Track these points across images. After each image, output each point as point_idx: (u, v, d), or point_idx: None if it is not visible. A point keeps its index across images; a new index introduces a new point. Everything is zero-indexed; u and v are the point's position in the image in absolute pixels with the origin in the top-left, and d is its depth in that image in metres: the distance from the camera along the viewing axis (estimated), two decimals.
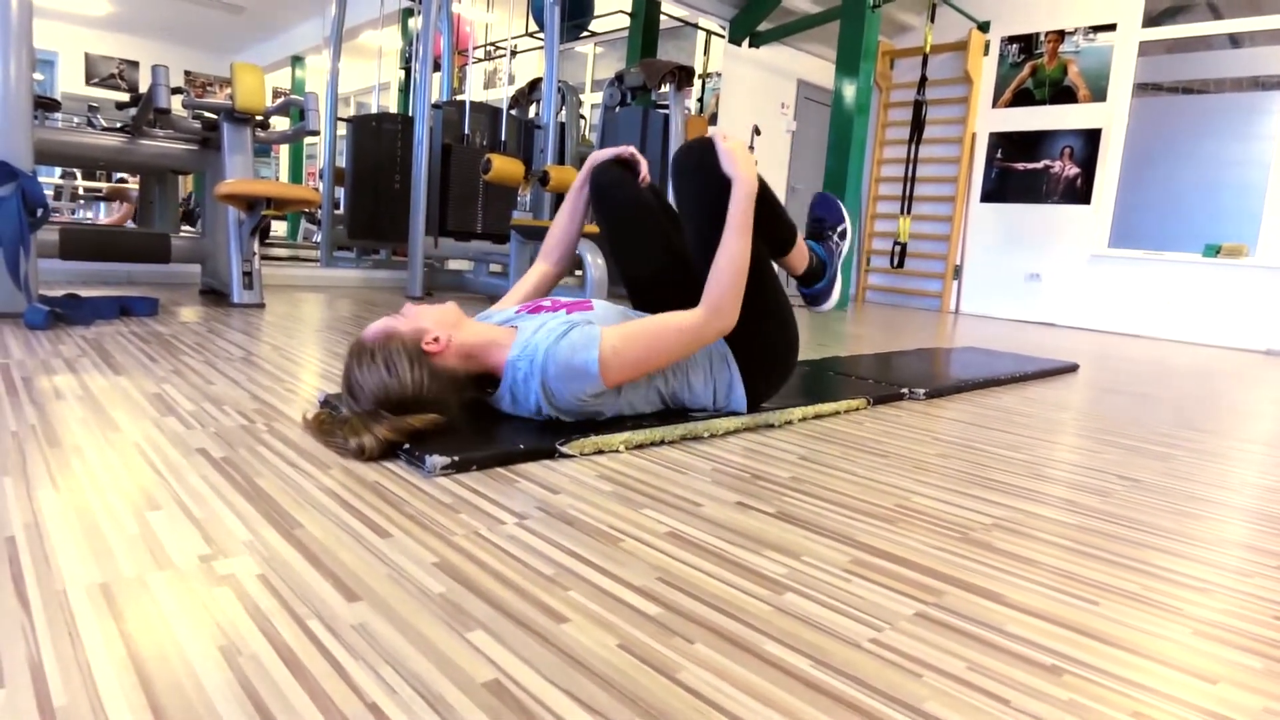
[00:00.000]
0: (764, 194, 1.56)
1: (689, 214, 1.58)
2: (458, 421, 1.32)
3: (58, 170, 7.95)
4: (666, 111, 4.85)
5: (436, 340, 1.32)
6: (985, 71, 6.13)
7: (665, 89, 4.81)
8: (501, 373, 1.40)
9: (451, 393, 1.33)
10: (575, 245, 1.76)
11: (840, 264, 1.87)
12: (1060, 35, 5.76)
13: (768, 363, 1.63)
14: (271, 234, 7.96)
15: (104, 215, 6.41)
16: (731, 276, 1.43)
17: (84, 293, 2.70)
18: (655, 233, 1.64)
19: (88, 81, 10.28)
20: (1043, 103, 5.86)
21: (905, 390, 2.11)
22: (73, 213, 7.81)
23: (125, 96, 6.40)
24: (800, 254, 1.77)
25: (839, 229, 1.87)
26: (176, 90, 3.15)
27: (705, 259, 1.49)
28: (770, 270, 1.64)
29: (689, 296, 1.50)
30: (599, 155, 1.68)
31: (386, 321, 1.34)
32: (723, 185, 1.49)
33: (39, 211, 2.30)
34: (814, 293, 1.86)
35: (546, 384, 1.35)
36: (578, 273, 4.80)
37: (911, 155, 6.13)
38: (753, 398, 1.63)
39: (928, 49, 6.03)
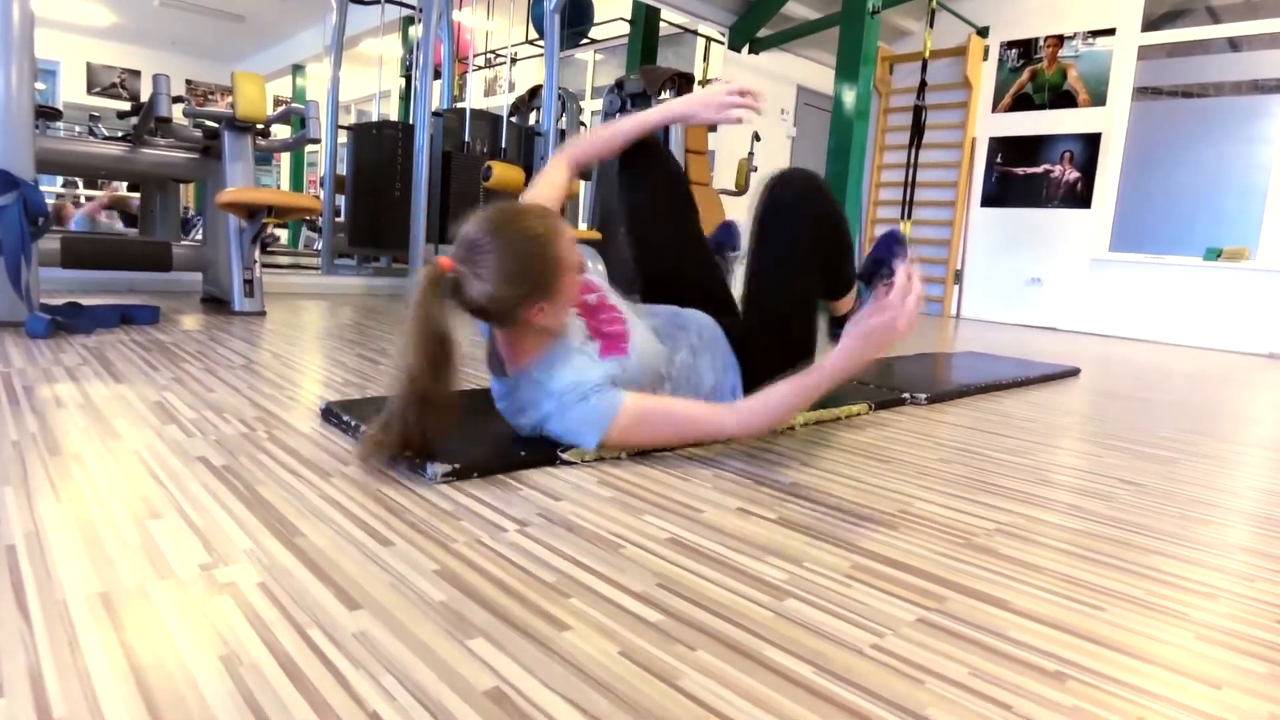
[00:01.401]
0: (841, 236, 1.59)
1: (767, 244, 1.54)
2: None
3: (59, 179, 7.97)
4: None
5: (543, 310, 1.23)
6: (985, 76, 6.14)
7: (665, 96, 4.82)
8: (518, 361, 1.33)
9: (505, 305, 1.23)
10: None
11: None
12: (1059, 40, 5.77)
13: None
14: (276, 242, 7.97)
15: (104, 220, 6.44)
16: (781, 415, 1.33)
17: (85, 301, 2.70)
18: (689, 211, 1.65)
19: (89, 90, 10.31)
20: (1042, 107, 5.87)
21: (906, 395, 2.11)
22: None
23: (127, 105, 6.42)
24: (849, 300, 1.76)
25: (891, 278, 1.85)
26: (178, 99, 3.16)
27: (759, 290, 1.52)
28: (815, 313, 1.64)
29: (702, 294, 1.56)
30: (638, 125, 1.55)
31: (566, 236, 1.25)
32: (811, 232, 1.48)
33: (40, 220, 2.30)
34: (837, 334, 1.82)
35: (545, 426, 1.32)
36: None
37: (912, 160, 6.14)
38: None
39: (927, 54, 6.04)
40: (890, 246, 1.85)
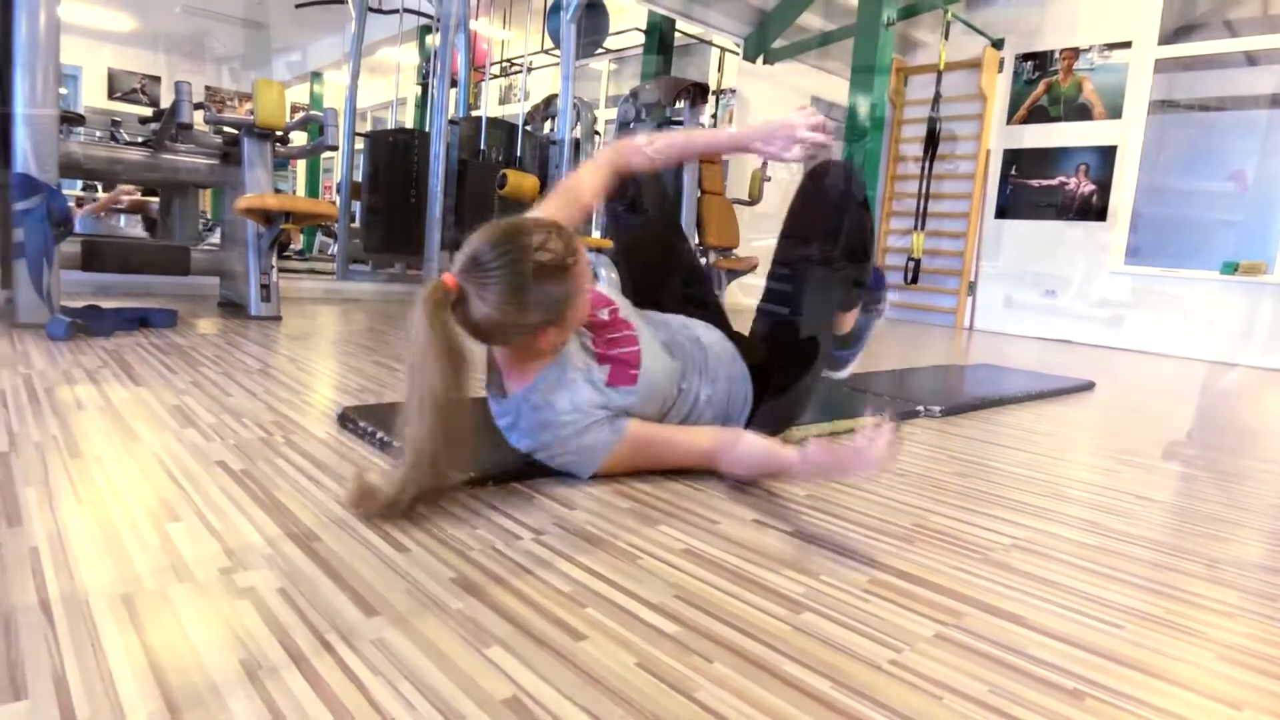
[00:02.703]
0: (866, 235, 1.57)
1: (803, 222, 1.56)
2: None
3: (79, 182, 8.06)
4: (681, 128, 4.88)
5: (549, 335, 1.18)
6: (1000, 88, 6.13)
7: (680, 105, 4.84)
8: (519, 383, 1.26)
9: (510, 330, 1.17)
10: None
11: (868, 338, 1.87)
12: (1075, 53, 5.76)
13: (786, 409, 1.58)
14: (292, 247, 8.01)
15: (124, 225, 6.49)
16: (753, 475, 1.32)
17: (104, 304, 2.73)
18: (679, 240, 1.69)
19: (110, 96, 10.43)
20: (1057, 119, 5.85)
21: (920, 408, 2.10)
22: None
23: (148, 111, 6.50)
24: (853, 315, 1.78)
25: (879, 306, 1.85)
26: (198, 105, 3.20)
27: (790, 251, 1.54)
28: (833, 317, 1.65)
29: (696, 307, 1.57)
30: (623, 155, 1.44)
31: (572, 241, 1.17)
32: (842, 217, 1.47)
33: (62, 224, 2.33)
34: (838, 357, 1.85)
35: (539, 455, 1.26)
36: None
37: (926, 172, 6.13)
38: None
39: (942, 66, 6.03)
40: (875, 275, 1.86)
